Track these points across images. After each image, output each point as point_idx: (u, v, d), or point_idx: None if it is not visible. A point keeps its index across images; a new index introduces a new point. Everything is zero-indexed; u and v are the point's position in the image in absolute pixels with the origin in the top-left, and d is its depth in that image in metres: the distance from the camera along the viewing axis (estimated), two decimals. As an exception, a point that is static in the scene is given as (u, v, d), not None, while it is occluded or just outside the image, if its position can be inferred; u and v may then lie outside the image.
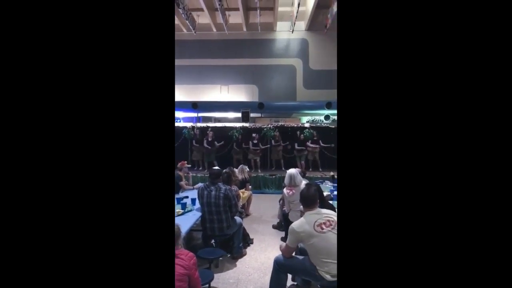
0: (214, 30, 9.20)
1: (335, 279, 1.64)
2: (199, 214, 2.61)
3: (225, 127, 7.68)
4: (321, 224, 1.73)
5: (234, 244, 2.75)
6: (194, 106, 8.01)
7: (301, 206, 1.95)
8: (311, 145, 6.69)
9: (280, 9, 8.22)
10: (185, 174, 4.19)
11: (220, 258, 2.58)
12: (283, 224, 3.42)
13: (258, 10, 7.48)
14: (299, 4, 7.16)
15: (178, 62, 9.13)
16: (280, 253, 1.91)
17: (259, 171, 6.61)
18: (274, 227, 3.78)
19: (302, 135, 6.88)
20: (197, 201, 2.75)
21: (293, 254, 1.90)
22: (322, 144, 6.75)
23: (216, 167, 2.97)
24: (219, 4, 7.04)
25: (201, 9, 8.19)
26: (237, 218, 2.77)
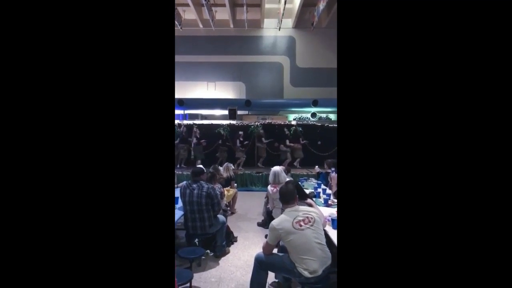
0: (201, 26, 9.09)
1: (313, 275, 1.66)
2: (181, 213, 2.58)
3: (212, 124, 7.63)
4: (299, 221, 1.75)
5: (217, 243, 2.74)
6: (181, 103, 7.91)
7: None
8: (290, 144, 6.74)
9: (267, 6, 8.20)
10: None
11: (203, 257, 2.57)
12: (267, 221, 3.44)
13: (245, 7, 7.44)
14: (285, 1, 7.17)
15: (163, 58, 8.97)
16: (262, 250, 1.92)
17: (242, 168, 6.60)
18: (259, 224, 3.79)
19: (288, 132, 6.92)
20: (179, 200, 2.72)
21: (275, 251, 1.91)
22: (302, 142, 6.80)
23: (199, 166, 2.94)
24: (205, 0, 6.95)
25: (187, 5, 8.05)
26: (220, 217, 2.76)
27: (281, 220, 1.78)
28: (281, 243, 1.95)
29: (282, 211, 1.98)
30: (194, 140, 6.69)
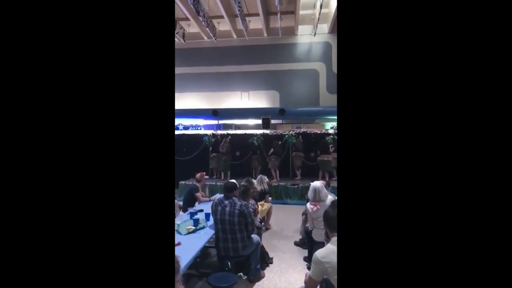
0: (235, 36, 9.15)
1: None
2: (212, 232, 2.38)
3: (245, 134, 7.50)
4: (351, 254, 1.43)
5: (251, 266, 2.49)
6: (215, 113, 7.94)
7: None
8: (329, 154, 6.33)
9: (301, 12, 7.97)
10: (203, 185, 4.02)
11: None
12: (306, 241, 3.11)
13: (279, 14, 7.29)
14: (321, 6, 6.88)
15: (199, 69, 9.16)
16: (304, 284, 1.63)
17: (278, 179, 6.34)
18: (296, 244, 3.47)
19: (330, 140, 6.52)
20: (211, 216, 2.54)
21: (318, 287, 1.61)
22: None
23: (232, 180, 2.74)
24: (239, 10, 6.94)
25: (222, 17, 8.16)
26: (255, 237, 2.51)
27: (327, 252, 1.47)
28: (325, 277, 1.64)
29: (326, 235, 1.69)
30: (223, 151, 6.61)
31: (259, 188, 3.99)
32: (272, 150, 6.68)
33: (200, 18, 6.95)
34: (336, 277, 1.42)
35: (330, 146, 6.36)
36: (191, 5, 6.37)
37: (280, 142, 6.77)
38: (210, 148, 6.92)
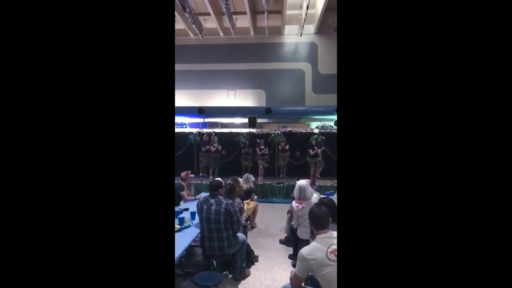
0: (221, 34, 9.08)
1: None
2: (198, 231, 2.36)
3: (231, 132, 7.48)
4: (335, 251, 1.46)
5: (237, 264, 2.49)
6: (200, 111, 7.86)
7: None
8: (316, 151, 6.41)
9: (288, 12, 8.03)
10: (188, 184, 3.97)
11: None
12: (291, 239, 3.15)
13: (266, 14, 7.30)
14: (307, 7, 6.95)
15: (184, 67, 9.03)
16: (289, 281, 1.65)
17: (262, 178, 6.36)
18: (281, 242, 3.50)
19: (314, 140, 6.60)
20: (196, 215, 2.51)
21: (303, 284, 1.64)
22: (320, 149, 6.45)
23: (217, 178, 2.73)
24: (226, 8, 6.89)
25: (208, 14, 8.08)
26: (240, 235, 2.51)
27: (312, 249, 1.50)
28: (310, 273, 1.67)
29: (312, 232, 1.72)
30: (212, 149, 6.58)
31: (245, 186, 3.99)
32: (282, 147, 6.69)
33: (186, 15, 6.84)
34: (320, 273, 1.45)
35: (312, 148, 6.42)
36: (177, 1, 6.26)
37: (262, 141, 6.78)
38: (213, 148, 6.77)
